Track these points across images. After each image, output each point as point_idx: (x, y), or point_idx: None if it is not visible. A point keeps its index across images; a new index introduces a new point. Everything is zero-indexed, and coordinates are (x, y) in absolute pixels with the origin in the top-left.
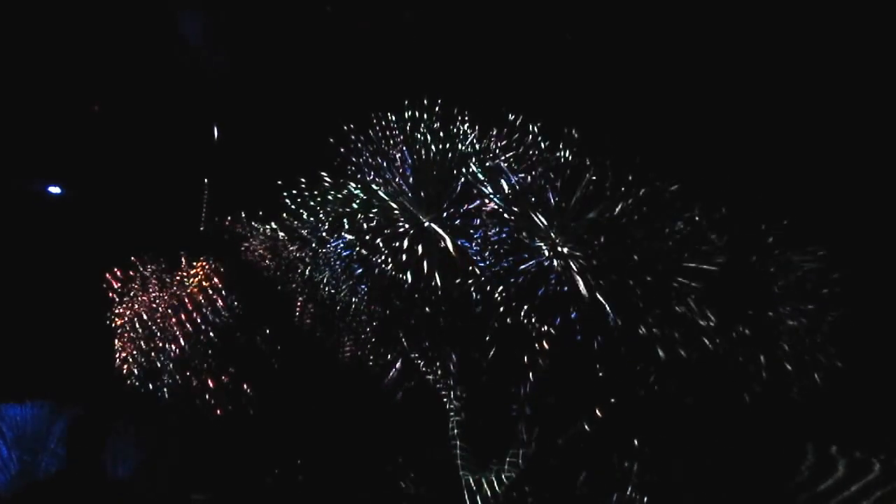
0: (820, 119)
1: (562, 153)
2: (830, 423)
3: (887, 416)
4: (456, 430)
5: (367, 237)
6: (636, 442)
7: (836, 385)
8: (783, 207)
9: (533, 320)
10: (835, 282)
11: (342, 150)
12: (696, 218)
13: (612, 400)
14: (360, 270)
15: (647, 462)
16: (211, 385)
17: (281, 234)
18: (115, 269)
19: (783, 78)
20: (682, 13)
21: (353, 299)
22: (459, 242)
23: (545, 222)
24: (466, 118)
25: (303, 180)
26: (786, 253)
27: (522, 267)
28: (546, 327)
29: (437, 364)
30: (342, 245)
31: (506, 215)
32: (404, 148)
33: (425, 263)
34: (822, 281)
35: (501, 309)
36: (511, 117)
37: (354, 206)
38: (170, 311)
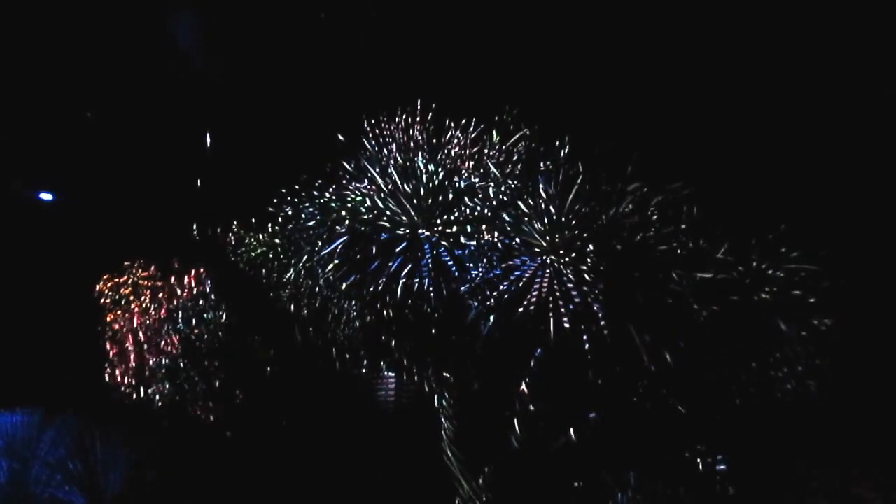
0: (814, 124)
1: (555, 158)
2: (824, 431)
3: (883, 426)
4: (448, 436)
5: (360, 244)
6: (628, 449)
7: (831, 393)
8: (778, 214)
9: (525, 326)
10: (829, 289)
11: (335, 156)
12: (689, 225)
13: (604, 407)
14: (352, 278)
15: (639, 469)
16: (202, 392)
17: (273, 241)
18: (107, 276)
19: (779, 82)
20: (676, 20)
21: (346, 306)
22: (452, 249)
23: (537, 228)
24: (460, 123)
25: (295, 187)
26: (780, 260)
27: (516, 273)
28: (537, 333)
29: (430, 370)
30: (335, 251)
31: (498, 221)
32: (397, 154)
33: (418, 270)
34: (815, 288)
35: (493, 315)
36: (506, 117)
37: (345, 213)
38: (161, 318)
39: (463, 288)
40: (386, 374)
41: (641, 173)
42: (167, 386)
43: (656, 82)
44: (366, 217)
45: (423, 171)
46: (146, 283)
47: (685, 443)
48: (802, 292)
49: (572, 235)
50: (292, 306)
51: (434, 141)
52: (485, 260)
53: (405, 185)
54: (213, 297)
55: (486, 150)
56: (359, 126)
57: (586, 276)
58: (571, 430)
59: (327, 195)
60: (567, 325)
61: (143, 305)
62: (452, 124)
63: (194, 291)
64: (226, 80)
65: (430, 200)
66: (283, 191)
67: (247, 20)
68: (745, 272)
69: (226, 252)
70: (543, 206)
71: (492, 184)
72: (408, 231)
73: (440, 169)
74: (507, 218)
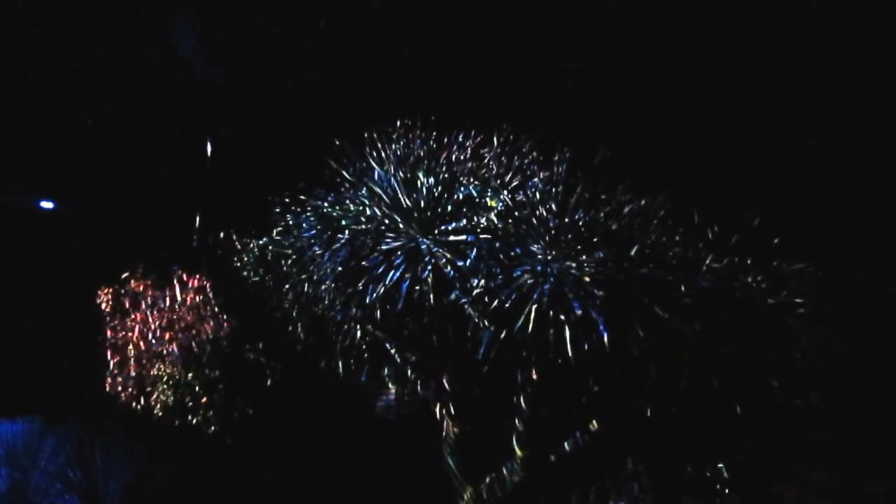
0: (812, 129)
1: (556, 167)
2: (826, 441)
3: (886, 435)
4: (449, 445)
5: (361, 253)
6: (630, 457)
7: (832, 397)
8: (776, 221)
9: (525, 335)
10: (829, 297)
11: (334, 164)
12: (690, 233)
13: (604, 416)
14: (351, 289)
15: (641, 477)
16: (203, 402)
17: (274, 249)
18: (108, 285)
19: (777, 85)
20: (673, 30)
21: (346, 315)
22: (453, 259)
23: (538, 237)
24: (459, 132)
25: (301, 197)
26: (779, 267)
27: (516, 283)
28: (538, 342)
29: (431, 379)
30: (336, 260)
31: (498, 231)
32: (396, 165)
33: (418, 280)
34: (816, 296)
35: (493, 325)
36: (505, 127)
37: (346, 222)
38: (162, 327)
39: (463, 298)
40: (388, 383)
41: (642, 182)
42: (168, 395)
43: (656, 90)
44: (366, 227)
45: (423, 181)
46: (147, 291)
47: (686, 450)
48: (803, 301)
49: (572, 245)
50: (294, 312)
51: (434, 145)
52: (485, 269)
53: (404, 197)
54: (214, 305)
55: (485, 159)
56: (358, 136)
57: (586, 286)
58: (573, 437)
59: (327, 204)
60: (568, 334)
61: (144, 314)
62: (452, 137)
63: (195, 300)
64: (227, 86)
65: (429, 212)
66: (287, 200)
67: (247, 25)
68: (744, 281)
69: (226, 260)
70: (544, 215)
71: (490, 193)
72: (407, 241)
73: (441, 178)
74: (506, 227)
